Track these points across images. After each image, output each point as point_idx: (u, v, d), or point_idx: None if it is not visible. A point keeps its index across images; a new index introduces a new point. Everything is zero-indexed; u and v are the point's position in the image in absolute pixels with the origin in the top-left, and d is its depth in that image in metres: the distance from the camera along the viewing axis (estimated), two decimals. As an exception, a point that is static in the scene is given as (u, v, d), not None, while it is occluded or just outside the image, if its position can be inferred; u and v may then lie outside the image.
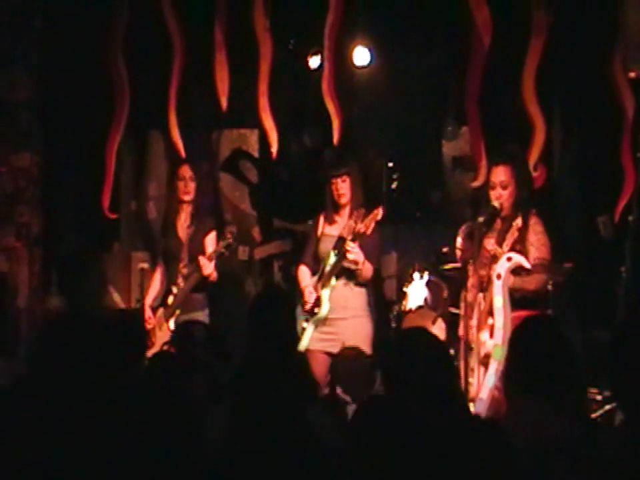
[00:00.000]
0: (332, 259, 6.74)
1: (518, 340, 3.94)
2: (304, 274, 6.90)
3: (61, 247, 8.27)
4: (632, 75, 6.74)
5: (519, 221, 5.86)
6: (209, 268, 6.79)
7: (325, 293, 6.70)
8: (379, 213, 6.65)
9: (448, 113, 8.53)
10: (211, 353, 5.12)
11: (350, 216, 6.79)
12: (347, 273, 6.72)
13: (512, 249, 5.84)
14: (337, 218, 6.85)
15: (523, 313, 5.55)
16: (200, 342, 5.25)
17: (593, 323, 6.73)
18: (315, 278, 6.81)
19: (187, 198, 6.99)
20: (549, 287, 6.01)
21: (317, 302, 6.70)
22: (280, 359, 4.40)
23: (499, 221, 6.02)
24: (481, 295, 5.90)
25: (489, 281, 5.83)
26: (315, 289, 6.73)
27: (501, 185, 5.99)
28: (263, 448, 3.22)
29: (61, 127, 8.10)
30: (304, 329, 6.66)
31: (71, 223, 8.39)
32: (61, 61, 7.83)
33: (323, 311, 6.67)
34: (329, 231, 6.87)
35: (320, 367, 6.44)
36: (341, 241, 6.74)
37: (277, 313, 4.67)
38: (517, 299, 5.79)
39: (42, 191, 7.82)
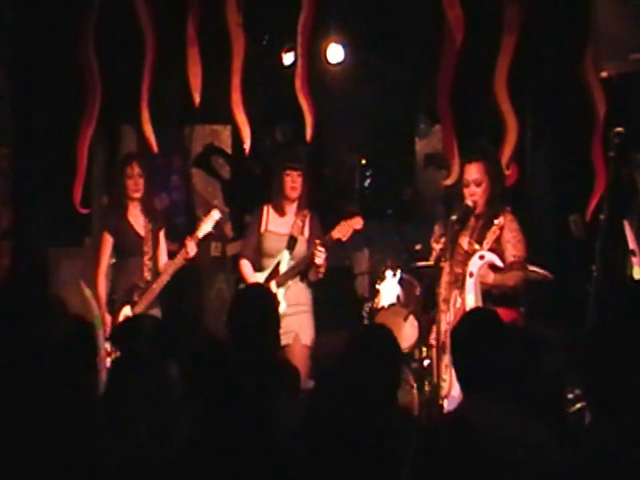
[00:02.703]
0: (286, 259, 6.83)
1: (457, 337, 3.92)
2: (248, 268, 6.94)
3: (31, 241, 8.21)
4: (603, 74, 6.77)
5: (501, 220, 5.86)
6: (194, 249, 6.80)
7: (281, 292, 6.77)
8: (360, 222, 6.71)
9: (420, 110, 8.55)
10: (160, 348, 5.06)
11: (296, 214, 6.94)
12: (300, 272, 6.86)
13: (491, 248, 5.85)
14: (286, 210, 6.92)
15: (500, 310, 5.59)
16: (148, 337, 5.18)
17: (564, 321, 6.75)
18: (264, 275, 6.87)
19: (137, 195, 6.95)
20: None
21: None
22: (262, 354, 4.39)
23: (472, 219, 6.02)
24: (456, 292, 5.91)
25: (464, 279, 5.85)
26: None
27: (474, 183, 5.98)
28: (231, 442, 3.23)
29: (32, 120, 8.04)
30: None
31: (42, 217, 8.33)
32: (32, 54, 7.78)
33: (281, 309, 6.72)
34: (275, 227, 6.95)
35: None
36: (292, 241, 6.89)
37: (260, 309, 4.64)
38: (495, 296, 5.82)
39: (12, 185, 7.76)
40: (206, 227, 6.91)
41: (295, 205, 6.97)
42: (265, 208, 7.02)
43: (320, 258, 6.72)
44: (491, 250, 5.83)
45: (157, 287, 6.86)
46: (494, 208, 5.93)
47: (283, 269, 6.90)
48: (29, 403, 3.46)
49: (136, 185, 6.91)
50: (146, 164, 7.09)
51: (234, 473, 3.16)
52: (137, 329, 5.12)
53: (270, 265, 6.93)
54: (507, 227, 5.89)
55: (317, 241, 6.77)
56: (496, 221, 5.85)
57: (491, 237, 5.87)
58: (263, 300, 4.72)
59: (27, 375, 3.67)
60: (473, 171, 5.99)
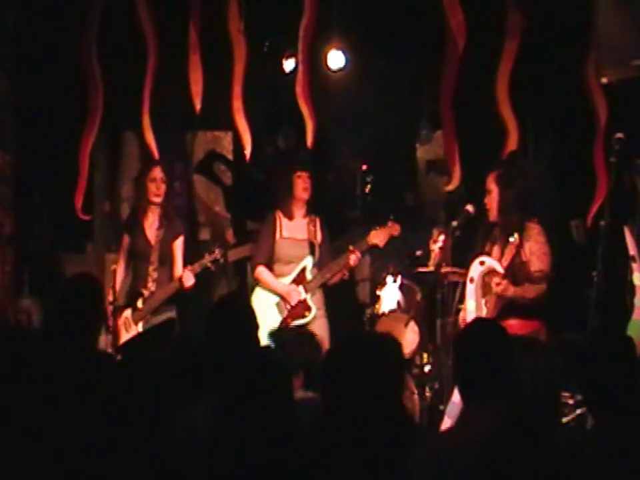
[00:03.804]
0: (310, 265, 6.94)
1: (460, 346, 3.91)
2: (269, 275, 6.95)
3: (33, 247, 8.22)
4: (604, 80, 6.78)
5: (515, 238, 5.84)
6: (191, 280, 6.81)
7: (308, 297, 6.89)
8: (397, 229, 6.93)
9: (422, 116, 8.55)
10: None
11: (305, 218, 7.06)
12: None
13: (511, 263, 5.82)
14: (295, 214, 6.97)
15: (513, 322, 5.64)
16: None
17: (564, 327, 6.76)
18: (287, 281, 6.90)
19: (157, 200, 6.96)
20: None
21: (305, 307, 6.83)
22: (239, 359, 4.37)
23: (496, 228, 6.03)
24: (485, 297, 5.90)
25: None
26: (296, 291, 6.92)
27: (487, 191, 6.05)
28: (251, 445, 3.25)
29: (35, 126, 8.06)
30: None
31: (44, 224, 8.34)
32: (34, 59, 7.79)
33: (312, 314, 6.90)
34: (289, 234, 6.98)
35: None
36: (312, 246, 6.98)
37: (234, 318, 4.62)
38: (516, 308, 5.81)
39: (14, 191, 7.77)
40: (205, 262, 6.89)
41: (303, 209, 7.02)
42: (277, 214, 7.04)
43: (355, 262, 6.87)
44: (512, 265, 5.82)
45: (154, 302, 6.86)
46: (509, 220, 5.92)
47: (309, 274, 6.94)
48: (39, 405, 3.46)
49: (158, 189, 6.93)
50: (169, 171, 7.14)
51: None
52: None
53: (289, 271, 6.97)
54: (533, 239, 5.89)
55: (351, 247, 6.90)
56: (511, 239, 5.81)
57: (508, 254, 5.83)
58: (242, 308, 4.69)
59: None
60: (487, 181, 6.08)
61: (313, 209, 7.16)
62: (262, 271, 6.99)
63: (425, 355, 7.31)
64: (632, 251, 6.16)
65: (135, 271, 6.98)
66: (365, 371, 3.63)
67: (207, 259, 6.86)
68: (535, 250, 5.90)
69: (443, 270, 6.53)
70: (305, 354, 4.80)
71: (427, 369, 7.28)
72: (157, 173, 6.96)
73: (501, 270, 5.83)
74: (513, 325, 5.73)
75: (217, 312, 4.55)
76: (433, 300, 6.96)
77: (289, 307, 6.93)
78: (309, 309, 6.92)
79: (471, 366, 3.75)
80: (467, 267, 6.14)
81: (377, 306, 7.62)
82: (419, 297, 7.49)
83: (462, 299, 6.10)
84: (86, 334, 4.76)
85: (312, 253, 7.01)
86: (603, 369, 3.62)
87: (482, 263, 5.83)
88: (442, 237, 6.18)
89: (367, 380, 3.58)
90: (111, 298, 6.81)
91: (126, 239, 7.05)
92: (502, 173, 6.08)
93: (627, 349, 3.71)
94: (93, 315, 5.14)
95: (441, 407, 6.44)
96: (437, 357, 7.13)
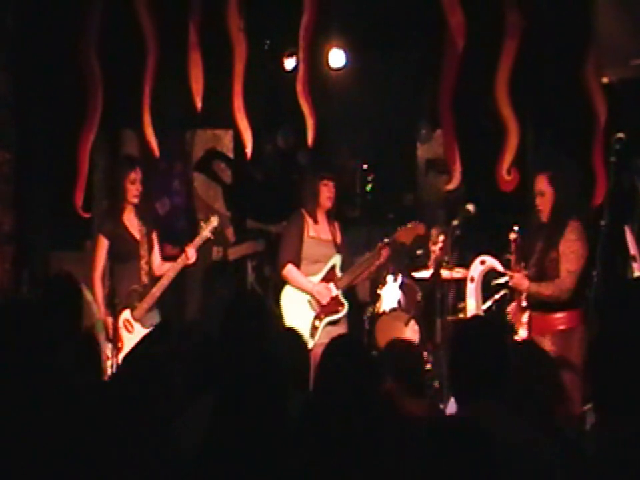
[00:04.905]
0: (339, 263, 7.01)
1: (457, 345, 3.92)
2: (297, 274, 6.96)
3: (32, 245, 8.22)
4: (604, 80, 6.79)
5: (512, 235, 5.82)
6: (194, 256, 6.83)
7: (340, 293, 6.99)
8: (422, 228, 6.91)
9: (422, 115, 8.56)
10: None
11: (327, 222, 7.08)
12: None
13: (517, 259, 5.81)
14: (319, 218, 7.02)
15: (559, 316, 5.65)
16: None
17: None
18: (317, 279, 6.99)
19: (136, 201, 6.93)
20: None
21: (338, 302, 6.89)
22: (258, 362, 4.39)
23: (545, 229, 6.01)
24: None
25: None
26: (327, 289, 6.96)
27: (539, 194, 6.00)
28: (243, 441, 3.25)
29: (34, 124, 8.05)
30: (316, 328, 6.90)
31: (43, 222, 8.34)
32: (34, 58, 7.79)
33: (345, 310, 6.99)
34: (315, 234, 7.00)
35: None
36: (337, 246, 7.05)
37: (253, 319, 4.62)
38: (540, 303, 5.81)
39: (14, 189, 7.76)
40: (205, 234, 6.92)
41: (326, 215, 7.06)
42: (304, 213, 7.05)
43: (385, 258, 6.93)
44: (518, 260, 5.81)
45: (156, 291, 6.85)
46: (561, 220, 5.90)
47: (338, 272, 7.02)
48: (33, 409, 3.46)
49: (137, 190, 6.91)
50: (147, 170, 7.11)
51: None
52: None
53: (316, 270, 7.00)
54: (566, 236, 5.86)
55: (380, 244, 6.94)
56: (510, 236, 5.80)
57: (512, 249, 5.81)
58: (260, 308, 4.70)
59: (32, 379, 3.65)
60: (537, 182, 6.03)
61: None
62: (291, 269, 6.99)
63: (425, 354, 7.32)
64: (632, 250, 6.17)
65: (128, 271, 6.90)
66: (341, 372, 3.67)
67: (205, 230, 6.89)
68: (565, 248, 5.85)
69: (442, 276, 6.56)
70: (293, 357, 4.79)
71: (427, 367, 7.30)
72: (137, 174, 6.90)
73: (501, 269, 5.84)
74: (552, 319, 5.77)
75: (236, 311, 4.55)
76: (433, 299, 6.97)
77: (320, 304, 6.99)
78: (342, 304, 6.99)
79: (466, 364, 3.76)
80: (467, 266, 6.16)
81: (377, 305, 7.64)
82: (419, 296, 7.51)
83: (462, 298, 6.12)
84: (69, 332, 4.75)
85: (338, 252, 7.07)
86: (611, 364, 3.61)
87: (482, 262, 5.85)
88: (441, 238, 6.19)
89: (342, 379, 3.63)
90: (103, 300, 6.79)
91: (104, 241, 6.93)
92: (556, 174, 6.04)
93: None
94: (74, 315, 5.13)
95: (441, 406, 6.44)
96: (437, 356, 7.14)
